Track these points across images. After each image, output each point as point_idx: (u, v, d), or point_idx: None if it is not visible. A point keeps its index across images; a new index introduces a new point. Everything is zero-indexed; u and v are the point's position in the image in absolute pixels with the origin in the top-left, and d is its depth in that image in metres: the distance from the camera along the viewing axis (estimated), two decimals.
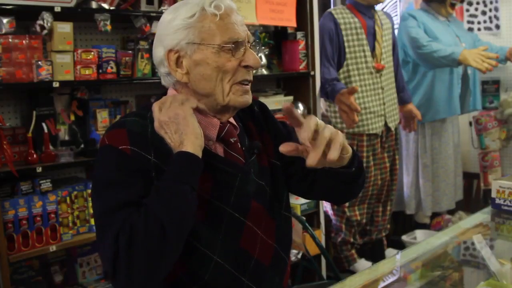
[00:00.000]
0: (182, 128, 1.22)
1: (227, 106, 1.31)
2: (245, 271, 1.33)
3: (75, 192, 2.44)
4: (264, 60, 3.07)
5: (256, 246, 1.34)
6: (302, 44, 3.20)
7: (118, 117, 2.61)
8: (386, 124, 3.32)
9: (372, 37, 3.25)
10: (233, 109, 1.34)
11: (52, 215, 2.31)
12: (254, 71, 1.35)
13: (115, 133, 1.26)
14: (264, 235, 1.36)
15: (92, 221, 2.46)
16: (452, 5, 3.69)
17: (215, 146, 1.34)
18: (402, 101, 3.52)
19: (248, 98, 1.33)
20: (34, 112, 2.36)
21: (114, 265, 1.13)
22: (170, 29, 1.29)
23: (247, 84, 1.32)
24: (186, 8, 1.29)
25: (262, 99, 2.99)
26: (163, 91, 1.41)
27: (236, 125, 1.40)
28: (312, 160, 1.08)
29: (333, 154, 1.08)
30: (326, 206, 3.42)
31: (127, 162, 1.22)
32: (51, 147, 2.38)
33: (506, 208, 1.95)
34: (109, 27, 2.43)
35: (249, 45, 1.32)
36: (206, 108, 1.32)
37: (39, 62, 2.25)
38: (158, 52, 1.32)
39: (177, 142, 1.22)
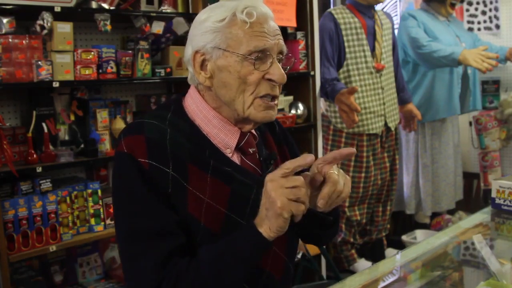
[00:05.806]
0: (271, 214, 1.13)
1: (247, 119, 1.27)
2: (257, 284, 1.30)
3: (75, 192, 2.44)
4: None
5: (269, 259, 1.32)
6: (302, 44, 3.20)
7: (118, 117, 2.61)
8: (386, 124, 3.32)
9: (372, 37, 3.25)
10: (255, 123, 1.30)
11: (52, 215, 2.31)
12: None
13: (134, 140, 1.21)
14: (276, 248, 1.33)
15: (92, 221, 2.46)
16: (452, 5, 3.69)
17: (232, 154, 1.31)
18: (402, 101, 3.52)
19: (272, 114, 1.27)
20: (34, 112, 2.36)
21: None
22: (199, 29, 1.26)
23: (271, 100, 1.26)
24: (219, 10, 1.25)
25: None
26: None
27: (256, 134, 1.37)
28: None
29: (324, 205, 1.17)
30: None
31: (148, 178, 1.19)
32: (51, 147, 2.38)
33: (506, 208, 1.95)
34: (109, 27, 2.43)
35: (281, 57, 1.27)
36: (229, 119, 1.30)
37: (39, 62, 2.25)
38: (188, 51, 1.30)
39: (260, 216, 1.17)
